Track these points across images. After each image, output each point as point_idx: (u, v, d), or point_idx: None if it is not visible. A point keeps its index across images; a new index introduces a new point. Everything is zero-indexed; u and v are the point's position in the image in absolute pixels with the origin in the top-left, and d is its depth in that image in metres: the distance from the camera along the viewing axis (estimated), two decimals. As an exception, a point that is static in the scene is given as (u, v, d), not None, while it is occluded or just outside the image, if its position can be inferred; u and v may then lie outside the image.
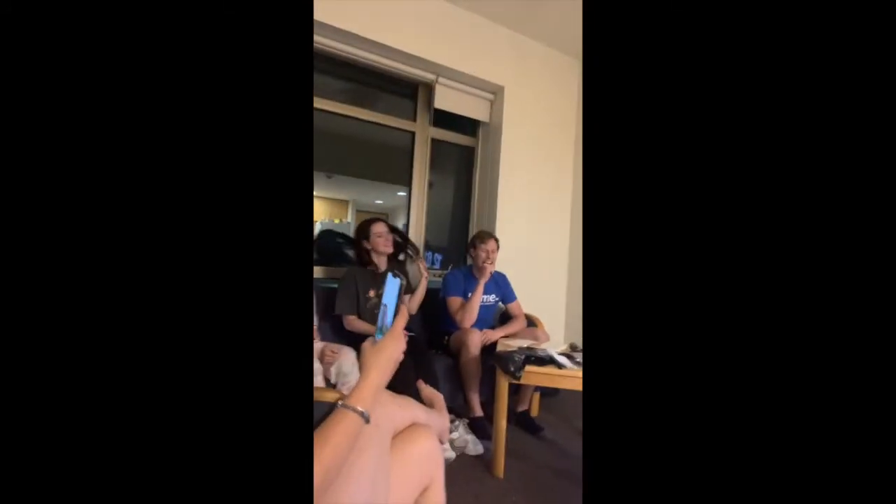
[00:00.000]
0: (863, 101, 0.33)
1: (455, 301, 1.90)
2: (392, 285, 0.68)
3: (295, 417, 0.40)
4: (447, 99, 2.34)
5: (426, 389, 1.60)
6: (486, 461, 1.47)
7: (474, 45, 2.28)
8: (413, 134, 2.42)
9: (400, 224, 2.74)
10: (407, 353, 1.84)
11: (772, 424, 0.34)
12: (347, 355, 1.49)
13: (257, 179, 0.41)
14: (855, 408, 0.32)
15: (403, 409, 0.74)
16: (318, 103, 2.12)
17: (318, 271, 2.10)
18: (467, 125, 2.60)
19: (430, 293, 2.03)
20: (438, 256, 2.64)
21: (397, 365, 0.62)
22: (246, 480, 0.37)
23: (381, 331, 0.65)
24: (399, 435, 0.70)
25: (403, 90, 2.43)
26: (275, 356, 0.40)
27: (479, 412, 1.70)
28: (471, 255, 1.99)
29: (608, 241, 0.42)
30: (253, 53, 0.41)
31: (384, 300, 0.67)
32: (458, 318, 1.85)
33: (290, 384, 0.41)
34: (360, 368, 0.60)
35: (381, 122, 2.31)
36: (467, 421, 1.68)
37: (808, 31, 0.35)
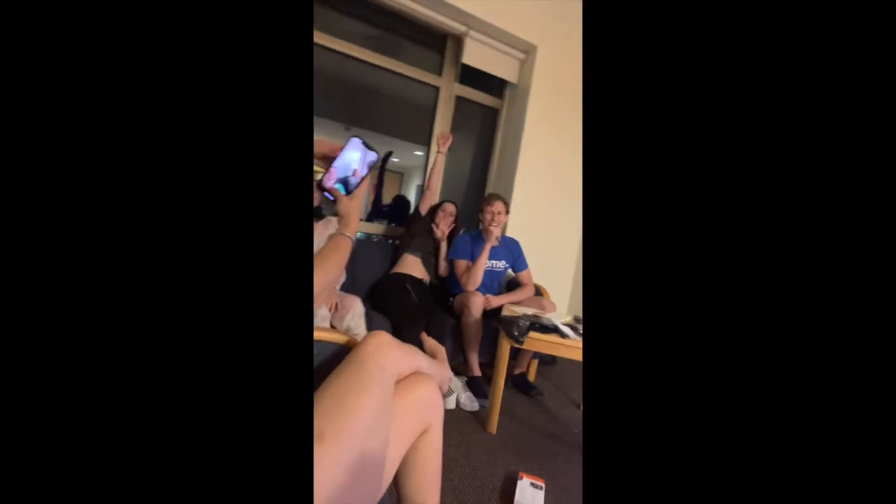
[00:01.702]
0: (863, 103, 0.33)
1: (461, 264, 1.91)
2: (355, 146, 0.70)
3: (294, 414, 0.38)
4: (476, 55, 2.24)
5: (429, 341, 1.64)
6: (480, 418, 1.53)
7: (511, -3, 2.15)
8: (437, 90, 2.34)
9: (414, 185, 2.71)
10: (419, 305, 1.86)
11: (769, 425, 0.34)
12: (355, 307, 1.53)
13: (256, 164, 0.39)
14: (854, 403, 0.32)
15: (408, 357, 0.76)
16: (343, 47, 2.05)
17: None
18: (494, 85, 2.50)
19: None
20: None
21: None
22: (243, 478, 0.36)
23: (347, 186, 0.70)
24: (402, 381, 0.72)
25: (431, 42, 2.33)
26: (273, 348, 0.38)
27: (477, 372, 1.76)
28: (479, 218, 1.98)
29: (609, 229, 0.41)
30: (250, 39, 0.39)
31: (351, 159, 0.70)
32: (462, 280, 1.86)
33: (289, 379, 0.38)
34: (343, 213, 0.71)
35: (407, 73, 2.24)
36: (466, 379, 1.73)
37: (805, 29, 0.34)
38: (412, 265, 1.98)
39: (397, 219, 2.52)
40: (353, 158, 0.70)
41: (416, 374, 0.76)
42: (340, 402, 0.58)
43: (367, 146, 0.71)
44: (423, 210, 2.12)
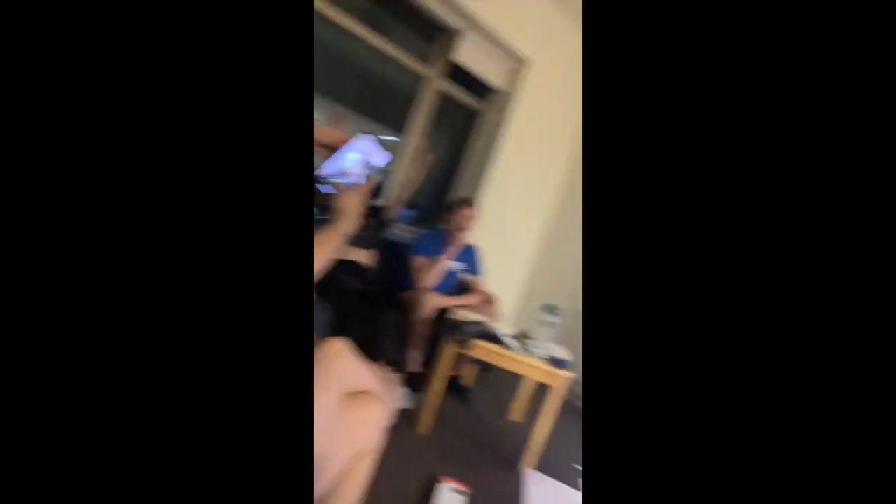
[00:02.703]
0: (863, 103, 0.33)
1: (420, 260, 1.87)
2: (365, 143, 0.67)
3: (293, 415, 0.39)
4: (468, 54, 2.21)
5: (383, 370, 1.56)
6: (411, 416, 1.50)
7: (512, 4, 2.14)
8: (420, 79, 2.28)
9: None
10: (361, 293, 1.73)
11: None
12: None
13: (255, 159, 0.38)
14: (855, 407, 0.32)
15: (362, 374, 0.73)
16: (331, 12, 1.92)
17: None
18: (479, 87, 2.49)
19: (395, 247, 1.99)
20: (412, 213, 2.56)
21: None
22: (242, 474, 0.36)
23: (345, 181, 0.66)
24: (353, 396, 0.68)
25: (425, 29, 2.26)
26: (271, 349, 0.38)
27: (416, 368, 1.72)
28: (447, 219, 1.95)
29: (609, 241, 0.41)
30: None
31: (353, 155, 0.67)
32: (418, 277, 1.82)
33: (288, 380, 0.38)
34: (340, 207, 0.65)
35: (392, 54, 2.15)
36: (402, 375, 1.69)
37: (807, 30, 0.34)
38: (348, 248, 1.87)
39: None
40: (360, 154, 0.67)
41: (368, 393, 0.72)
42: None
43: (379, 145, 0.68)
44: None
